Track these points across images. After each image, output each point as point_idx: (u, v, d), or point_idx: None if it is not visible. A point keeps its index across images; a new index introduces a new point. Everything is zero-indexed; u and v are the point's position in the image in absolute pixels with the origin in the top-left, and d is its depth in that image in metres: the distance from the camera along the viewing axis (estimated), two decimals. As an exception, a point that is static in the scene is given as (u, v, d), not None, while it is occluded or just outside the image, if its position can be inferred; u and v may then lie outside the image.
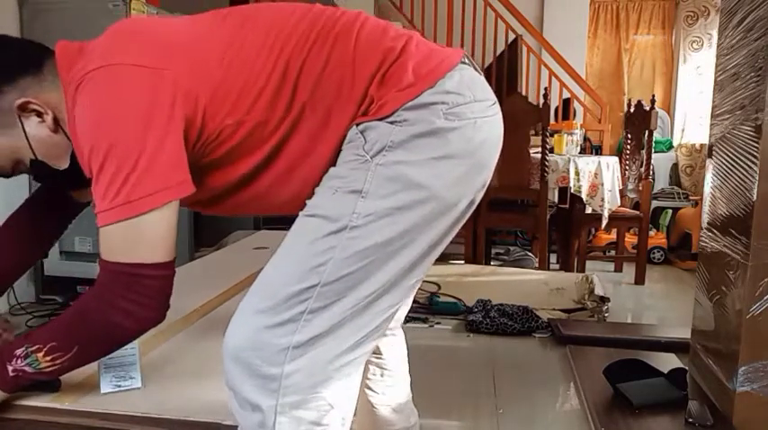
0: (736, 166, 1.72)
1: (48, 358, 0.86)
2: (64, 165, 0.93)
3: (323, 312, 0.81)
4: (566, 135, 3.78)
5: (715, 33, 5.03)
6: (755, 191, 1.58)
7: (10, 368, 0.88)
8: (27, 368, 0.88)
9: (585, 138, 4.56)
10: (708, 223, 1.95)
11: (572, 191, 3.37)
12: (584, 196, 3.34)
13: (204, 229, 3.56)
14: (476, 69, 0.94)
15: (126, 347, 0.94)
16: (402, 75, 0.86)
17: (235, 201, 0.96)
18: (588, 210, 3.50)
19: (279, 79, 0.85)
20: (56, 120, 0.90)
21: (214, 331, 1.26)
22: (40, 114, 0.89)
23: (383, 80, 0.86)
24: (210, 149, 0.87)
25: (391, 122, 0.84)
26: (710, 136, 1.98)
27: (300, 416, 0.82)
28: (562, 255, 3.87)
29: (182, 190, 0.83)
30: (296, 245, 0.85)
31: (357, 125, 0.86)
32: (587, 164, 3.38)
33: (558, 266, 3.86)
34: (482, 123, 0.88)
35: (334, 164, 0.88)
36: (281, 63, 0.85)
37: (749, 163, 1.64)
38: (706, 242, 1.96)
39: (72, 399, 0.94)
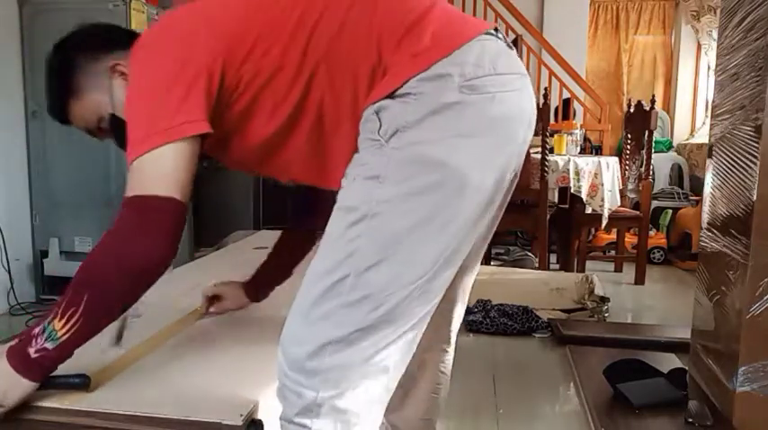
0: (736, 166, 1.72)
1: (62, 322, 0.83)
2: None
3: (359, 306, 0.81)
4: (566, 135, 3.79)
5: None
6: (755, 191, 1.58)
7: (31, 350, 0.85)
8: (48, 345, 0.84)
9: (585, 139, 4.56)
10: (708, 223, 1.95)
11: (572, 191, 3.37)
12: (584, 196, 3.34)
13: (204, 229, 3.56)
14: (507, 44, 0.91)
15: None
16: (421, 36, 0.84)
17: (265, 160, 0.99)
18: (588, 210, 3.50)
19: (294, 27, 0.87)
20: None
21: (214, 331, 1.26)
22: (125, 78, 0.97)
23: (400, 43, 0.85)
24: (235, 98, 0.90)
25: (404, 97, 0.83)
26: (710, 136, 1.99)
27: (339, 408, 0.83)
28: (562, 255, 3.87)
29: (196, 127, 0.86)
30: (328, 238, 0.86)
31: (373, 104, 0.85)
32: (587, 164, 3.38)
33: (558, 266, 3.86)
34: (503, 97, 0.85)
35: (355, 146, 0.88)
36: (295, 14, 0.88)
37: (749, 163, 1.64)
38: (706, 242, 1.96)
39: (72, 399, 0.94)
